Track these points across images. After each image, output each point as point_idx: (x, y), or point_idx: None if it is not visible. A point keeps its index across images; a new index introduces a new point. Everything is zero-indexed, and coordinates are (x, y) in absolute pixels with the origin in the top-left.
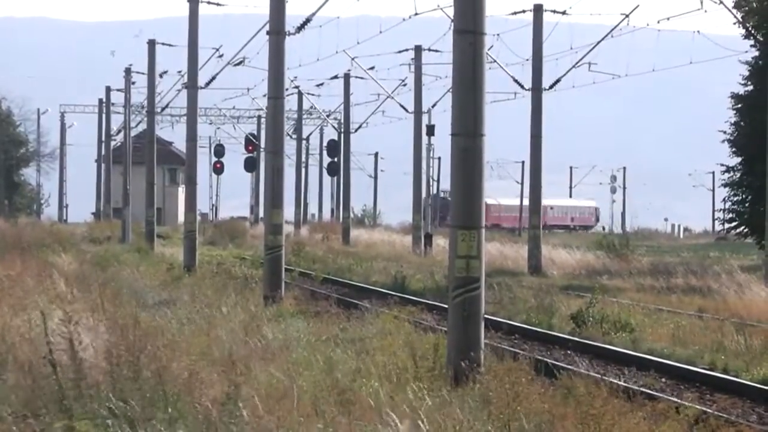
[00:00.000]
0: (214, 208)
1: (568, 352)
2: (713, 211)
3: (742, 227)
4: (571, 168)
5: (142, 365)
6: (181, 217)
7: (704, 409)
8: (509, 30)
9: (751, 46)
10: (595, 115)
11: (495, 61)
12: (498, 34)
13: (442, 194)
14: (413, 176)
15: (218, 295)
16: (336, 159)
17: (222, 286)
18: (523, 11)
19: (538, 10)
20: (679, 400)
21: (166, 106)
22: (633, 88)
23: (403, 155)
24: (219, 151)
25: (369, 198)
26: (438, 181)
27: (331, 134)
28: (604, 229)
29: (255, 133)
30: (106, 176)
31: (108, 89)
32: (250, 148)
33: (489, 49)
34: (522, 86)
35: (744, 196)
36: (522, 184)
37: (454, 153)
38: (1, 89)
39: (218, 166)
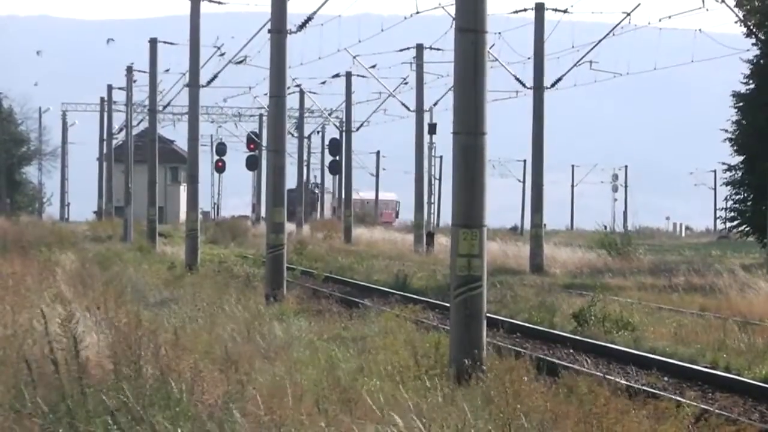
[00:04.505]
0: (215, 207)
1: (570, 350)
2: (715, 209)
3: (744, 226)
4: (572, 166)
5: (144, 364)
6: (182, 216)
7: (706, 407)
8: (511, 28)
9: (753, 44)
10: (596, 113)
11: (496, 59)
12: (499, 33)
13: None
14: (415, 175)
15: (220, 294)
16: (338, 157)
17: (224, 285)
18: (525, 10)
19: (539, 8)
20: (680, 399)
21: (168, 104)
22: (634, 87)
23: (404, 154)
24: (221, 149)
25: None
26: (440, 179)
27: (332, 133)
28: (605, 227)
29: (257, 131)
30: (108, 175)
31: (110, 87)
32: (252, 146)
33: (490, 48)
34: (523, 85)
35: (745, 194)
36: (524, 182)
37: (456, 151)
38: (3, 87)
39: (220, 164)
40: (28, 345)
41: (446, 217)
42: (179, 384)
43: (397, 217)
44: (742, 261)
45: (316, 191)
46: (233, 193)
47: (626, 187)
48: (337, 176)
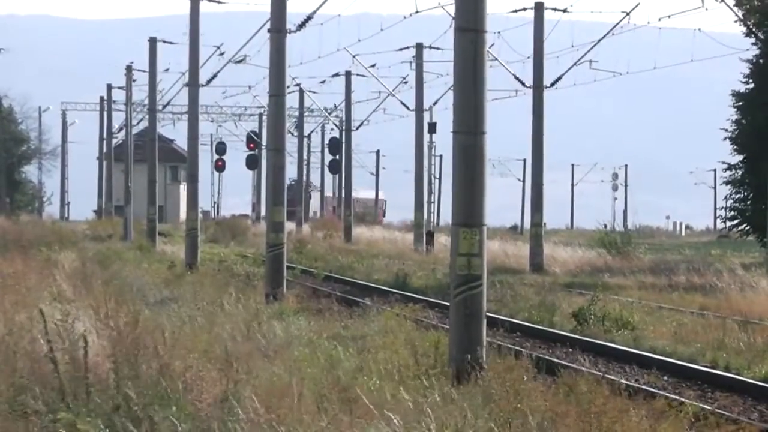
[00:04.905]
0: (215, 206)
1: (570, 350)
2: (715, 208)
3: (744, 225)
4: (572, 165)
5: (143, 363)
6: (182, 215)
7: (705, 407)
8: (510, 28)
9: (752, 44)
10: (596, 112)
11: (496, 59)
12: (499, 32)
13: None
14: (414, 174)
15: (220, 293)
16: (337, 157)
17: (224, 284)
18: (524, 9)
19: (539, 7)
20: (680, 398)
21: (168, 103)
22: (634, 86)
23: (404, 153)
24: (220, 148)
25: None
26: (440, 178)
27: (332, 132)
28: (605, 226)
29: (256, 130)
30: (108, 174)
31: (109, 87)
32: (252, 145)
33: (490, 47)
34: (523, 84)
35: (745, 194)
36: (523, 181)
37: (456, 151)
38: (3, 87)
39: (220, 163)
40: (26, 344)
41: (446, 216)
42: (175, 383)
43: (384, 216)
44: (742, 260)
45: (308, 189)
46: (233, 192)
47: (626, 186)
48: (337, 175)
